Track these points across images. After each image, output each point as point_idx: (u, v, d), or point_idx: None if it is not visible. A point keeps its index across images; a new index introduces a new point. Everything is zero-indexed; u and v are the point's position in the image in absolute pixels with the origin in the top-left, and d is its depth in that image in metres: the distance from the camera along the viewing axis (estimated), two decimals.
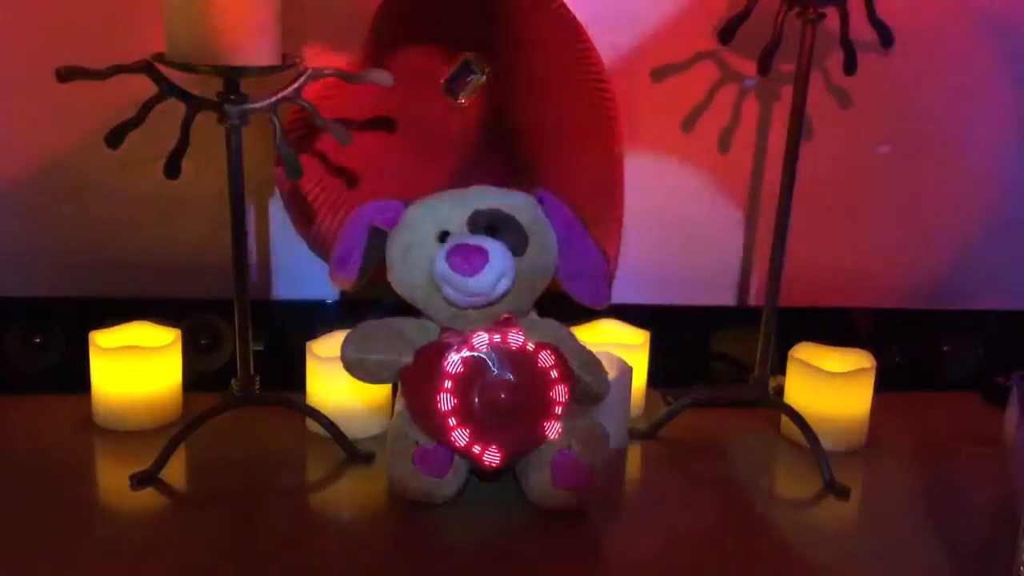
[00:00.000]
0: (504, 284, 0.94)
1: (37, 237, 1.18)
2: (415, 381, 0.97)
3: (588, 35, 1.14)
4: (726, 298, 1.31)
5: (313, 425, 1.11)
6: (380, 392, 1.12)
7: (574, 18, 1.14)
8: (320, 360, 1.10)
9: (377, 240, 1.00)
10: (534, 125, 1.17)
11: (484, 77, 1.15)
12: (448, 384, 0.93)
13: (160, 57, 0.93)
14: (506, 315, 0.96)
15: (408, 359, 0.97)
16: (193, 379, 1.17)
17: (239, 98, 0.95)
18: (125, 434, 1.10)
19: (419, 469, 0.97)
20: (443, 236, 0.96)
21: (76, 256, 1.19)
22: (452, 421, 0.93)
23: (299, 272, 1.22)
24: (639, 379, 1.18)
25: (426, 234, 0.96)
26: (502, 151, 1.17)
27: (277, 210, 1.18)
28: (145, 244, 1.20)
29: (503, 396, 0.94)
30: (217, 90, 0.95)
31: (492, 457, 0.95)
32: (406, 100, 1.14)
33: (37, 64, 1.07)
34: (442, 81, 1.15)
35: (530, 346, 0.95)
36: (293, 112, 1.11)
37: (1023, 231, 1.33)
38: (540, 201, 1.00)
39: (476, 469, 1.00)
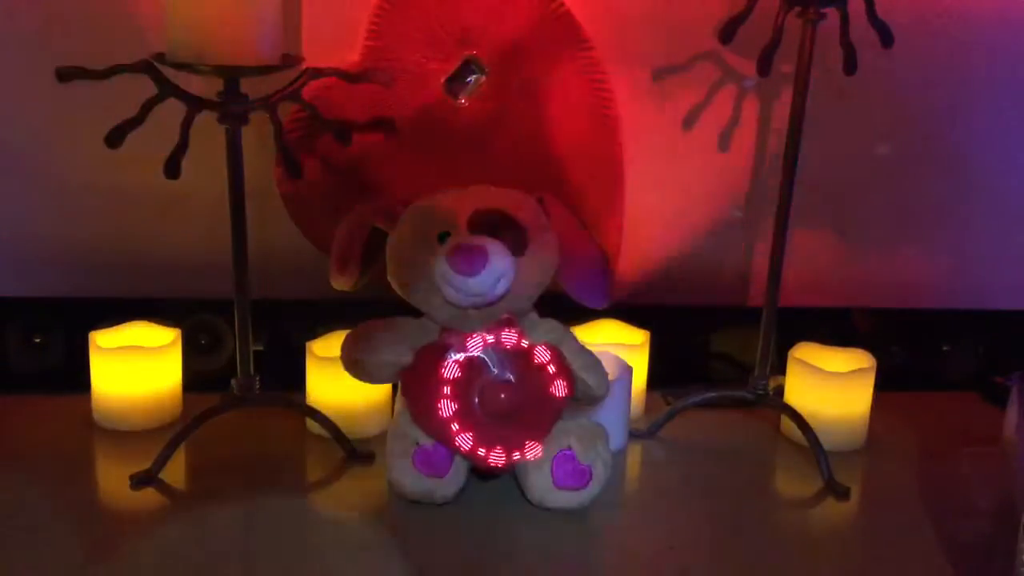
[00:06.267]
0: (504, 284, 0.94)
1: (37, 237, 1.18)
2: (415, 381, 0.97)
3: (588, 35, 1.14)
4: (726, 298, 1.31)
5: (313, 425, 1.11)
6: (380, 392, 1.12)
7: (574, 18, 1.14)
8: (320, 360, 1.10)
9: (377, 240, 1.00)
10: (534, 125, 1.17)
11: (484, 77, 1.15)
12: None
13: (160, 57, 0.93)
14: (506, 315, 0.96)
15: (408, 359, 0.97)
16: (193, 379, 1.17)
17: (239, 98, 0.95)
18: (125, 434, 1.10)
19: (419, 469, 0.97)
20: (443, 236, 0.96)
21: (76, 256, 1.19)
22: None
23: (299, 272, 1.22)
24: (639, 379, 1.18)
25: (426, 234, 0.96)
26: (502, 151, 1.17)
27: (277, 210, 1.18)
28: (145, 244, 1.19)
29: (503, 396, 0.94)
30: (217, 90, 0.95)
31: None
32: (406, 100, 1.14)
33: (37, 64, 1.07)
34: (442, 81, 1.15)
35: (525, 343, 0.95)
36: (293, 112, 1.10)
37: (1023, 230, 1.33)
38: (540, 201, 1.00)
39: (476, 469, 1.00)
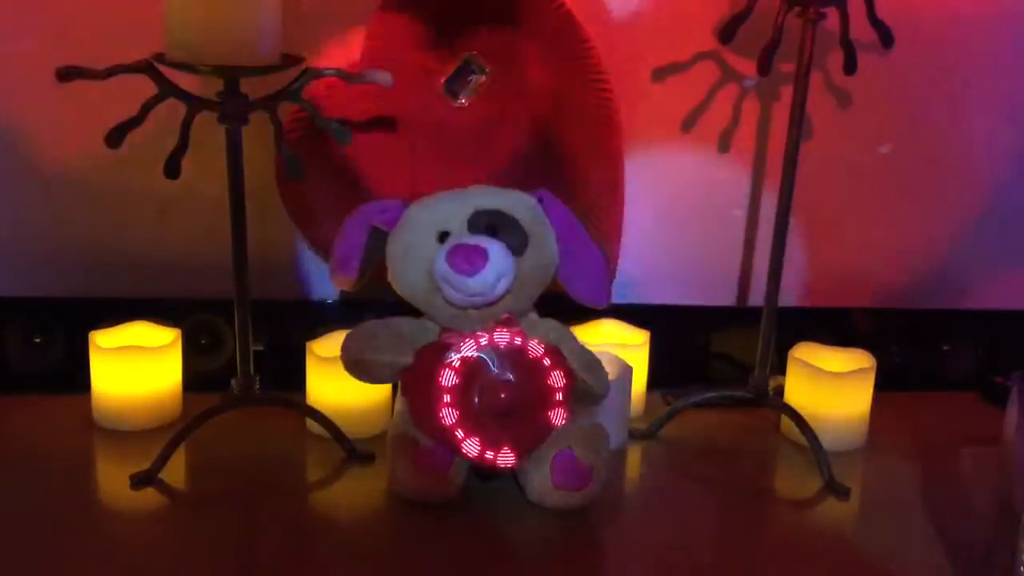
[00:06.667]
0: (504, 284, 0.94)
1: (37, 237, 1.18)
2: (415, 381, 0.97)
3: (588, 35, 1.14)
4: (726, 298, 1.31)
5: (313, 425, 1.11)
6: (380, 392, 1.11)
7: (574, 18, 1.14)
8: (320, 360, 1.10)
9: (377, 240, 1.00)
10: (534, 125, 1.17)
11: (484, 77, 1.15)
12: (447, 398, 0.93)
13: (160, 57, 0.93)
14: (506, 315, 0.96)
15: (408, 359, 0.97)
16: (193, 379, 1.17)
17: (239, 98, 0.95)
18: (125, 434, 1.10)
19: (419, 469, 0.97)
20: (443, 236, 0.96)
21: (76, 256, 1.19)
22: (460, 434, 0.94)
23: (299, 272, 1.22)
24: (639, 379, 1.18)
25: (426, 234, 0.96)
26: (502, 151, 1.17)
27: (277, 210, 1.18)
28: (145, 244, 1.19)
29: (503, 396, 0.94)
30: (217, 90, 0.95)
31: (507, 459, 0.95)
32: (406, 100, 1.14)
33: (37, 64, 1.08)
34: (442, 81, 1.15)
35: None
36: (293, 112, 1.11)
37: (1022, 230, 1.33)
38: (540, 201, 1.00)
39: (476, 469, 1.00)
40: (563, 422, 0.96)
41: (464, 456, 0.95)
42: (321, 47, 1.13)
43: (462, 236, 0.95)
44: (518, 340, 0.95)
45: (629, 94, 1.19)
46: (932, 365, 1.38)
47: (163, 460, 1.02)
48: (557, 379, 0.95)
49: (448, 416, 0.94)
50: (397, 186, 1.14)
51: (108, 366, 1.10)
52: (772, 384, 1.15)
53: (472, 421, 0.94)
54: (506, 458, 0.95)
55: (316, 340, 1.12)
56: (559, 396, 0.95)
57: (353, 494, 1.03)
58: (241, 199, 0.99)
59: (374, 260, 1.01)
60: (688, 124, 1.22)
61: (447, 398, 0.93)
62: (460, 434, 0.94)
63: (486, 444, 0.95)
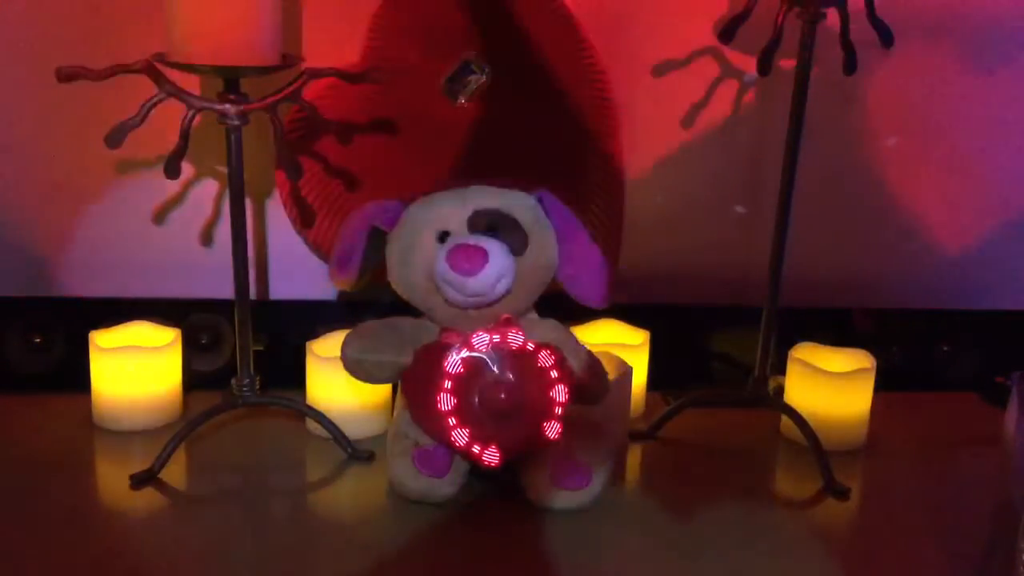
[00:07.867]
0: (504, 284, 0.94)
1: (37, 237, 1.18)
2: (415, 381, 0.97)
3: (588, 35, 1.15)
4: (726, 298, 1.31)
5: (313, 425, 1.11)
6: (380, 392, 1.12)
7: (574, 18, 1.14)
8: (320, 360, 1.10)
9: (377, 240, 1.00)
10: (534, 125, 1.17)
11: (484, 77, 1.15)
12: (448, 384, 0.93)
13: (160, 57, 0.93)
14: (506, 315, 0.96)
15: (408, 359, 0.97)
16: (193, 379, 1.17)
17: (239, 98, 0.95)
18: (125, 434, 1.10)
19: (419, 469, 0.97)
20: (443, 236, 0.96)
21: (76, 256, 1.19)
22: (452, 421, 0.93)
23: (299, 272, 1.22)
24: (639, 379, 1.18)
25: (426, 234, 0.96)
26: (502, 151, 1.17)
27: (276, 210, 1.18)
28: (145, 244, 1.19)
29: (503, 396, 0.94)
30: (217, 90, 0.95)
31: (492, 457, 0.95)
32: (406, 100, 1.14)
33: (37, 64, 1.07)
34: (442, 81, 1.15)
35: (530, 346, 0.95)
36: (293, 112, 1.11)
37: (1022, 231, 1.33)
38: (540, 201, 1.00)
39: (476, 469, 1.00)
40: (557, 436, 0.95)
41: (452, 445, 0.94)
42: (321, 47, 1.13)
43: (462, 236, 0.95)
44: (530, 346, 0.94)
45: (629, 93, 1.19)
46: (932, 365, 1.38)
47: (163, 460, 1.02)
48: (559, 393, 0.95)
49: (445, 402, 0.93)
50: (397, 186, 1.14)
51: (108, 366, 1.10)
52: (772, 384, 1.15)
53: (468, 413, 0.94)
54: (491, 456, 0.94)
55: (316, 340, 1.13)
56: (558, 410, 0.95)
57: (353, 494, 1.03)
58: (241, 199, 0.99)
59: (374, 260, 1.01)
60: (688, 123, 1.22)
61: (448, 384, 0.93)
62: (453, 421, 0.93)
63: (475, 438, 0.94)
